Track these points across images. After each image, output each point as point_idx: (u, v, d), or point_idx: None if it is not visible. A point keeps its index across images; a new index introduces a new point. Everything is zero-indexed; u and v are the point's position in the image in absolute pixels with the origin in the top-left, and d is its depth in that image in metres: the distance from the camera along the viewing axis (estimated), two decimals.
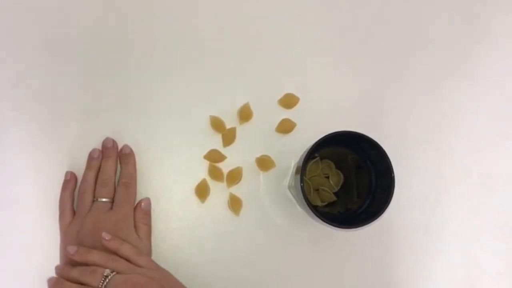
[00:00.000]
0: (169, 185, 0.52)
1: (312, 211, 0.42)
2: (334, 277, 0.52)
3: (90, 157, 0.51)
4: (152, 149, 0.52)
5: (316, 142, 0.42)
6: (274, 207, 0.52)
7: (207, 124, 0.53)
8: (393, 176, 0.43)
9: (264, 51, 0.55)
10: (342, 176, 0.50)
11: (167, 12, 0.55)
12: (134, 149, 0.52)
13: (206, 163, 0.52)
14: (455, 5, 0.57)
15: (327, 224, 0.42)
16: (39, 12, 0.54)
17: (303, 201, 0.42)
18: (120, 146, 0.52)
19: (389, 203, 0.42)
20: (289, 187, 0.51)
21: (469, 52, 0.57)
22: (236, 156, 0.52)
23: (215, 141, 0.53)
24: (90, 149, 0.51)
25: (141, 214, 0.50)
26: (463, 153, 0.54)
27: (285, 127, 0.53)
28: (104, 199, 0.49)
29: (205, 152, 0.52)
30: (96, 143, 0.52)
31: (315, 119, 0.53)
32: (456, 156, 0.55)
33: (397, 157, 0.44)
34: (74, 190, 0.51)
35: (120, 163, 0.51)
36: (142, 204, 0.50)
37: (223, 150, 0.52)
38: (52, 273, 0.47)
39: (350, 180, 0.50)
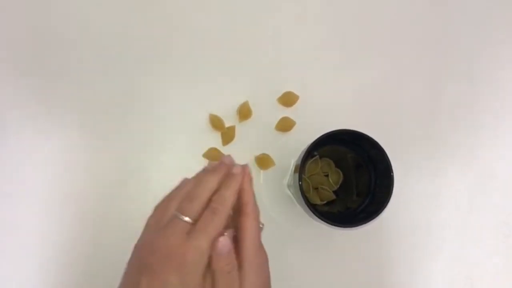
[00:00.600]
0: (168, 183, 0.52)
1: (310, 209, 0.42)
2: (334, 276, 0.52)
3: (205, 169, 0.42)
4: (151, 148, 0.52)
5: (315, 141, 0.42)
6: (273, 205, 0.52)
7: (207, 122, 0.52)
8: (393, 175, 0.43)
9: (264, 49, 0.54)
10: (341, 174, 0.50)
11: (166, 11, 0.55)
12: (132, 148, 0.52)
13: (205, 162, 0.52)
14: (455, 4, 0.57)
15: (326, 223, 0.42)
16: (39, 11, 0.54)
17: (302, 199, 0.42)
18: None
19: (388, 202, 0.42)
20: (288, 186, 0.51)
21: (469, 51, 0.56)
22: (236, 155, 0.52)
23: (214, 140, 0.52)
24: (90, 149, 0.51)
25: (218, 259, 0.37)
26: (462, 152, 0.54)
27: (285, 125, 0.53)
28: (186, 218, 0.38)
29: (204, 150, 0.52)
30: (95, 143, 0.52)
31: (314, 117, 0.53)
32: (456, 155, 0.54)
33: (397, 156, 0.44)
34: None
35: (224, 182, 0.40)
36: (219, 244, 0.37)
37: (222, 149, 0.52)
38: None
39: (349, 179, 0.50)
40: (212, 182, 0.40)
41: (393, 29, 0.56)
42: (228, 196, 0.39)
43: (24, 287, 0.50)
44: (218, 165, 0.41)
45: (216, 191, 0.39)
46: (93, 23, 0.54)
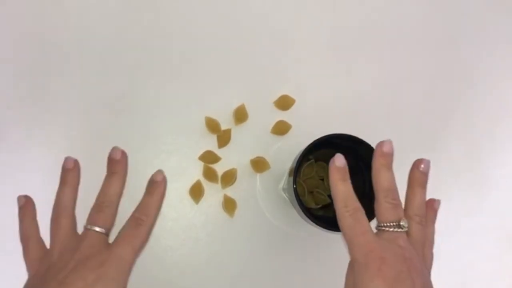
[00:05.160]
0: None
1: (305, 213, 0.42)
2: (330, 278, 0.52)
3: (64, 169, 0.41)
4: (147, 150, 0.52)
5: (310, 145, 0.42)
6: (269, 208, 0.52)
7: (202, 125, 0.53)
8: None
9: (260, 52, 0.54)
10: None
11: (162, 13, 0.55)
12: (128, 150, 0.52)
13: (200, 164, 0.52)
14: (452, 6, 0.57)
15: (320, 228, 0.42)
16: (37, 10, 0.54)
17: (297, 203, 0.42)
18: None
19: None
20: (284, 189, 0.51)
21: (466, 54, 0.57)
22: (231, 158, 0.52)
23: (210, 142, 0.52)
24: (85, 149, 0.51)
25: (333, 171, 0.36)
26: (458, 156, 0.54)
27: (281, 128, 0.53)
28: (97, 229, 0.37)
29: (200, 153, 0.52)
30: (92, 144, 0.52)
31: (310, 121, 0.53)
32: (451, 159, 0.54)
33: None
34: (35, 216, 0.41)
35: (145, 191, 0.41)
36: (335, 156, 0.37)
37: (218, 151, 0.52)
38: None
39: None
40: (117, 186, 0.40)
41: (390, 34, 0.56)
42: (153, 205, 0.40)
43: None
44: (111, 164, 0.40)
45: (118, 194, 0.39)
46: (91, 25, 0.54)
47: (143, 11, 0.54)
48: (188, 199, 0.52)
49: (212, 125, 0.52)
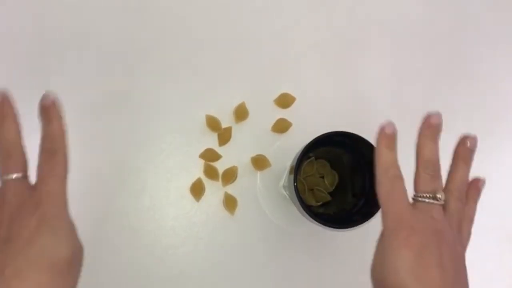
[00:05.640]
0: (164, 183, 0.52)
1: (305, 211, 0.42)
2: (330, 276, 0.52)
3: None
4: (147, 148, 0.52)
5: (310, 142, 0.42)
6: (269, 206, 0.52)
7: (203, 123, 0.53)
8: None
9: (260, 50, 0.55)
10: (337, 176, 0.50)
11: (162, 11, 0.55)
12: (129, 148, 0.52)
13: (201, 162, 0.52)
14: (452, 5, 0.57)
15: (320, 225, 0.42)
16: (37, 10, 0.54)
17: (297, 201, 0.42)
18: None
19: None
20: (284, 187, 0.51)
21: (466, 53, 0.57)
22: (232, 156, 0.52)
23: (211, 140, 0.52)
24: (86, 149, 0.51)
25: (381, 137, 0.36)
26: None
27: (281, 126, 0.53)
28: (13, 176, 0.34)
29: (200, 151, 0.52)
30: (91, 143, 0.52)
31: (311, 119, 0.53)
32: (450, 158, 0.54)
33: None
34: None
35: (40, 122, 0.37)
36: (384, 122, 0.37)
37: (219, 149, 0.52)
38: None
39: (345, 180, 0.50)
40: (12, 126, 0.36)
41: (390, 31, 0.56)
42: (56, 131, 0.35)
43: None
44: None
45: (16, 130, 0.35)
46: (91, 23, 0.54)
47: (143, 10, 0.55)
48: (189, 197, 0.52)
49: (212, 123, 0.52)
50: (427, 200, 0.35)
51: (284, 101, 0.53)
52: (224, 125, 0.53)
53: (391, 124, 0.37)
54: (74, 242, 0.35)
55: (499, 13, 0.58)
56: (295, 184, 0.43)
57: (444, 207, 0.35)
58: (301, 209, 0.42)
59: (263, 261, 0.51)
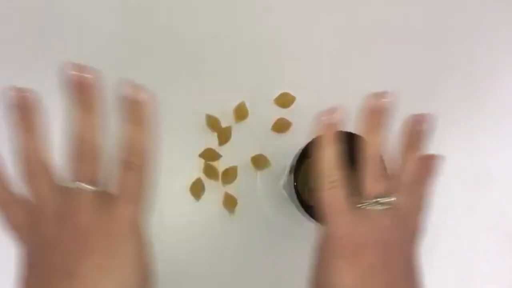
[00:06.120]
0: (164, 183, 0.52)
1: (305, 211, 0.42)
2: None
3: (14, 101, 0.28)
4: None
5: (310, 142, 0.42)
6: (269, 206, 0.52)
7: (203, 122, 0.53)
8: None
9: (261, 50, 0.54)
10: None
11: (162, 10, 0.55)
12: None
13: (201, 162, 0.52)
14: (452, 5, 0.57)
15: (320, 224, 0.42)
16: (36, 9, 0.54)
17: (297, 200, 0.42)
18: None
19: None
20: (284, 186, 0.51)
21: (467, 53, 0.56)
22: (232, 155, 0.52)
23: (211, 140, 0.52)
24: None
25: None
26: (458, 154, 0.54)
27: (281, 126, 0.53)
28: (86, 185, 0.27)
29: (200, 150, 0.52)
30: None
31: (311, 118, 0.53)
32: (452, 157, 0.54)
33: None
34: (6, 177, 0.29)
35: (125, 117, 0.30)
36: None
37: (219, 149, 0.52)
38: None
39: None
40: (95, 122, 0.29)
41: (391, 31, 0.56)
42: (142, 139, 0.28)
43: None
44: (77, 91, 0.27)
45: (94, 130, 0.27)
46: (91, 24, 0.54)
47: (143, 9, 0.55)
48: (188, 196, 0.52)
49: (212, 123, 0.52)
50: (375, 207, 0.30)
51: (284, 100, 0.53)
52: (224, 124, 0.53)
53: (331, 111, 0.30)
54: (144, 278, 0.29)
55: (499, 13, 0.57)
56: (295, 183, 0.42)
57: (395, 205, 0.30)
58: (301, 209, 0.42)
59: (262, 261, 0.51)
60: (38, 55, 0.53)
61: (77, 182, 0.27)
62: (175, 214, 0.52)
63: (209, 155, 0.52)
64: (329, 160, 0.31)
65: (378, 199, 0.30)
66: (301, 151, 0.43)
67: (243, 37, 0.55)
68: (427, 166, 0.33)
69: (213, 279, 0.51)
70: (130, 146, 0.28)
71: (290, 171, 0.46)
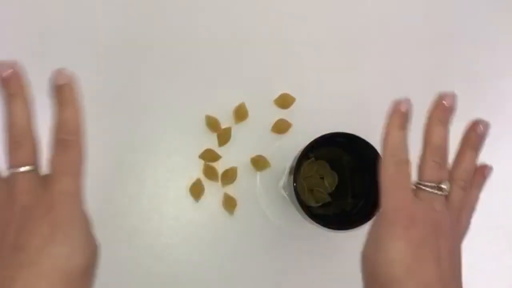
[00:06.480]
0: (164, 184, 0.52)
1: (305, 212, 0.42)
2: (329, 277, 0.52)
3: None
4: (147, 148, 0.52)
5: (310, 143, 0.42)
6: (269, 207, 0.52)
7: (203, 123, 0.53)
8: None
9: (260, 50, 0.54)
10: (336, 177, 0.50)
11: (162, 11, 0.55)
12: (128, 148, 0.52)
13: (201, 163, 0.52)
14: (452, 5, 0.57)
15: (320, 226, 0.42)
16: (36, 9, 0.54)
17: (297, 201, 0.42)
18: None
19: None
20: (284, 188, 0.51)
21: (466, 53, 0.56)
22: (231, 156, 0.52)
23: (210, 141, 0.52)
24: (86, 148, 0.51)
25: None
26: None
27: (281, 127, 0.53)
28: (22, 169, 0.30)
29: (200, 151, 0.52)
30: (90, 142, 0.52)
31: (311, 119, 0.53)
32: (451, 157, 0.54)
33: None
34: None
35: (53, 103, 0.32)
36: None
37: (218, 150, 0.52)
38: None
39: (345, 181, 0.50)
40: (24, 110, 0.31)
41: (391, 31, 0.56)
42: (72, 118, 0.31)
43: None
44: (4, 83, 0.30)
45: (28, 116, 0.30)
46: (91, 24, 0.54)
47: (143, 10, 0.54)
48: (188, 197, 0.52)
49: (212, 124, 0.52)
50: (430, 190, 0.33)
51: (284, 101, 0.53)
52: (223, 125, 0.53)
53: (407, 101, 0.35)
54: (89, 247, 0.31)
55: (499, 13, 0.57)
56: (294, 184, 0.42)
57: (446, 196, 0.33)
58: (300, 210, 0.42)
59: (262, 262, 0.51)
60: (38, 55, 0.53)
61: (12, 169, 0.30)
62: (174, 214, 0.51)
63: (209, 156, 0.52)
64: (399, 141, 0.33)
65: (437, 184, 0.33)
66: (301, 152, 0.43)
67: (243, 38, 0.54)
68: (483, 173, 0.37)
69: (213, 280, 0.51)
70: (61, 125, 0.31)
71: (290, 172, 0.46)
